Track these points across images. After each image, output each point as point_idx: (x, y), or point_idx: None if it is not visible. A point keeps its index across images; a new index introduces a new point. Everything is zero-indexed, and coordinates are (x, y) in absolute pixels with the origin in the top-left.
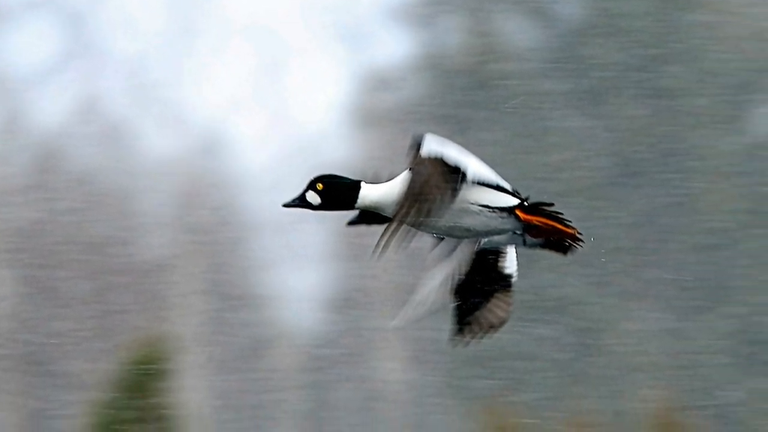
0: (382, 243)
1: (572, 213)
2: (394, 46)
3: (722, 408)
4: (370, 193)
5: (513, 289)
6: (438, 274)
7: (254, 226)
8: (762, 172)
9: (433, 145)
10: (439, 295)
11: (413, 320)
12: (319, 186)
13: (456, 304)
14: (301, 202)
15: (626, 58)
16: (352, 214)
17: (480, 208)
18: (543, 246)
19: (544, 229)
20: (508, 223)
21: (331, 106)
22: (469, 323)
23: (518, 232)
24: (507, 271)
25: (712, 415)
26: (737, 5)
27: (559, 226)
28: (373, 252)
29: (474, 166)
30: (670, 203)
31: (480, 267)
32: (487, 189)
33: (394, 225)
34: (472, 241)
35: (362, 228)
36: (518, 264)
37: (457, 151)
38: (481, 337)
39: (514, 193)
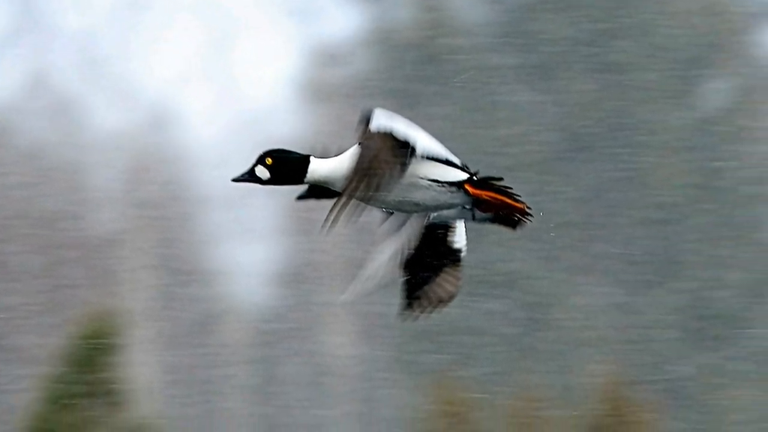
0: (332, 217)
1: (521, 187)
2: (344, 21)
3: (672, 382)
4: (319, 168)
5: (462, 263)
6: (387, 248)
7: (203, 201)
8: (711, 147)
9: (382, 120)
10: (388, 270)
11: (362, 295)
12: (269, 160)
13: (405, 278)
14: (250, 176)
15: (575, 33)
16: (302, 188)
17: (429, 182)
18: (492, 220)
19: (493, 203)
20: (457, 197)
21: (280, 80)
22: (418, 298)
23: (467, 206)
24: (456, 245)
25: (662, 390)
26: None
27: (508, 201)
28: (323, 226)
29: (423, 141)
30: (619, 178)
31: (429, 242)
32: (436, 163)
33: (343, 199)
34: (421, 215)
35: (311, 202)
36: (467, 238)
37: (406, 125)
38: (430, 312)
39: (463, 168)
